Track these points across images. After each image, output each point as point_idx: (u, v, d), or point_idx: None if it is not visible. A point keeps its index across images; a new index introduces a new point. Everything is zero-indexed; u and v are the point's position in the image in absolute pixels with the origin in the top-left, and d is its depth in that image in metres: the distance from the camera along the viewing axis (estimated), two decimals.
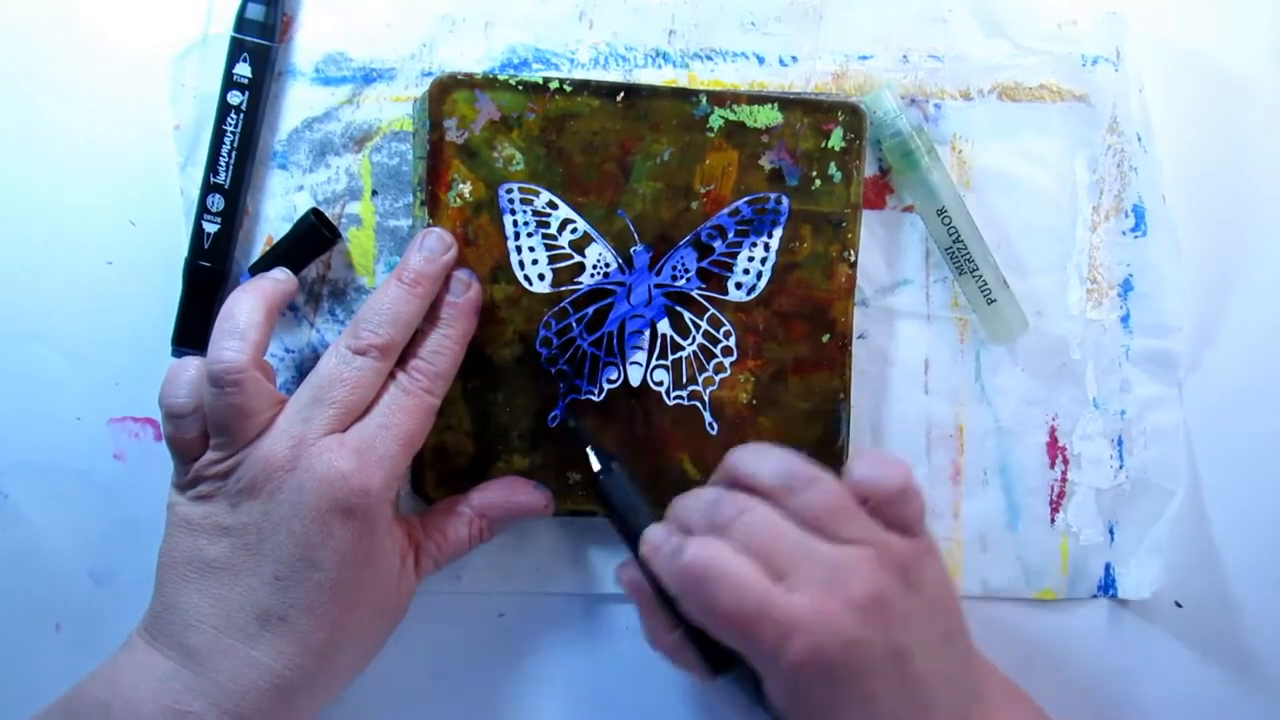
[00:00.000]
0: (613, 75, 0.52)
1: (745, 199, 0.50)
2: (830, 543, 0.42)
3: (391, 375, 0.46)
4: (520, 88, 0.49)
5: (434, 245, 0.47)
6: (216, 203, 0.49)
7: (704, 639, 0.43)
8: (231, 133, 0.49)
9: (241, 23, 0.49)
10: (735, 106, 0.49)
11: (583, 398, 0.50)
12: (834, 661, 0.40)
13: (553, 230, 0.50)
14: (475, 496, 0.49)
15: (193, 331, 0.50)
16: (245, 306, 0.45)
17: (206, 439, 0.45)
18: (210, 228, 0.50)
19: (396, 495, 0.46)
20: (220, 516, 0.44)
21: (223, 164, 0.49)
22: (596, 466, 0.48)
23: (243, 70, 0.49)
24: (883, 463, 0.44)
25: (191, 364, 0.45)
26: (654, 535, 0.45)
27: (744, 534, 0.42)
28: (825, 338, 0.51)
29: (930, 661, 0.42)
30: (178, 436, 0.45)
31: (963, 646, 0.44)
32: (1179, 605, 0.54)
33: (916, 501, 0.44)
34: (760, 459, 0.44)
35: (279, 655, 0.43)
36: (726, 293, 0.50)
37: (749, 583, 0.41)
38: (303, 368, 0.51)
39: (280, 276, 0.48)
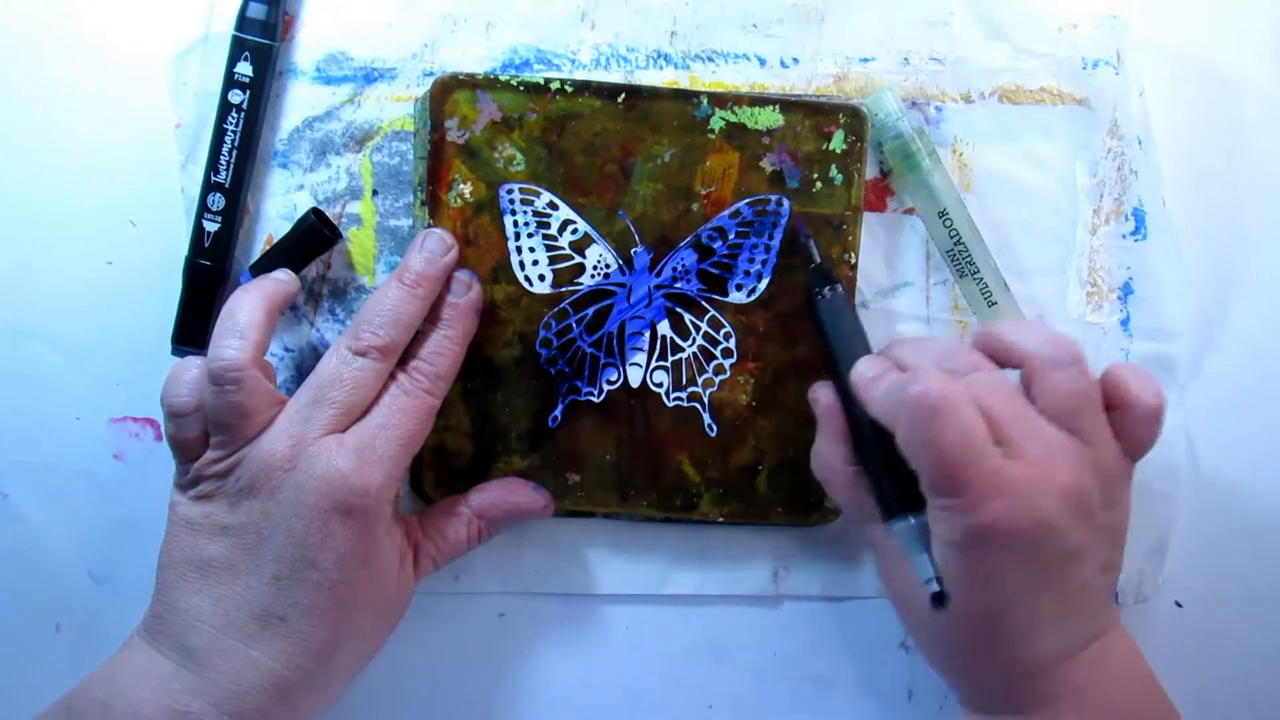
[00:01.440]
0: (614, 76, 0.51)
1: (746, 200, 0.50)
2: (1056, 427, 0.42)
3: (392, 376, 0.46)
4: (521, 88, 0.49)
5: (435, 246, 0.47)
6: (217, 201, 0.49)
7: (885, 481, 0.44)
8: (232, 131, 0.49)
9: (243, 21, 0.49)
10: (736, 108, 0.49)
11: (582, 399, 0.50)
12: (1023, 535, 0.40)
13: (553, 231, 0.50)
14: (474, 497, 0.49)
15: (193, 331, 0.50)
16: (247, 306, 0.45)
17: (208, 439, 0.45)
18: (210, 226, 0.50)
19: (396, 496, 0.46)
20: (220, 516, 0.44)
21: (223, 163, 0.49)
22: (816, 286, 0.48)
23: (244, 69, 0.49)
24: (1147, 379, 0.44)
25: (194, 363, 0.45)
26: (870, 366, 0.45)
27: (974, 389, 0.41)
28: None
29: (1088, 576, 0.42)
30: (179, 436, 0.45)
31: (1112, 581, 0.45)
32: (1179, 605, 0.54)
33: (1156, 429, 0.44)
34: (1028, 329, 0.44)
35: (279, 655, 0.43)
36: (727, 294, 0.50)
37: (973, 427, 0.40)
38: (302, 367, 0.51)
39: (282, 277, 0.48)
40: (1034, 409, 0.42)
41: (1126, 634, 0.45)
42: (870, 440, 0.44)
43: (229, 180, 0.49)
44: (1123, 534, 0.44)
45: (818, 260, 0.49)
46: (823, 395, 0.47)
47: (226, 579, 0.43)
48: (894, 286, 0.53)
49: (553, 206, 0.49)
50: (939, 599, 0.42)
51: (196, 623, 0.43)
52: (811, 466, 0.48)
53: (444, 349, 0.46)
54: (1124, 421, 0.43)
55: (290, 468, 0.43)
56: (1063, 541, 0.41)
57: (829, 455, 0.47)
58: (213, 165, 0.49)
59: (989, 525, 0.40)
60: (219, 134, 0.49)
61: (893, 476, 0.43)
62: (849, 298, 0.48)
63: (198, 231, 0.50)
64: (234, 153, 0.49)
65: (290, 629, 0.43)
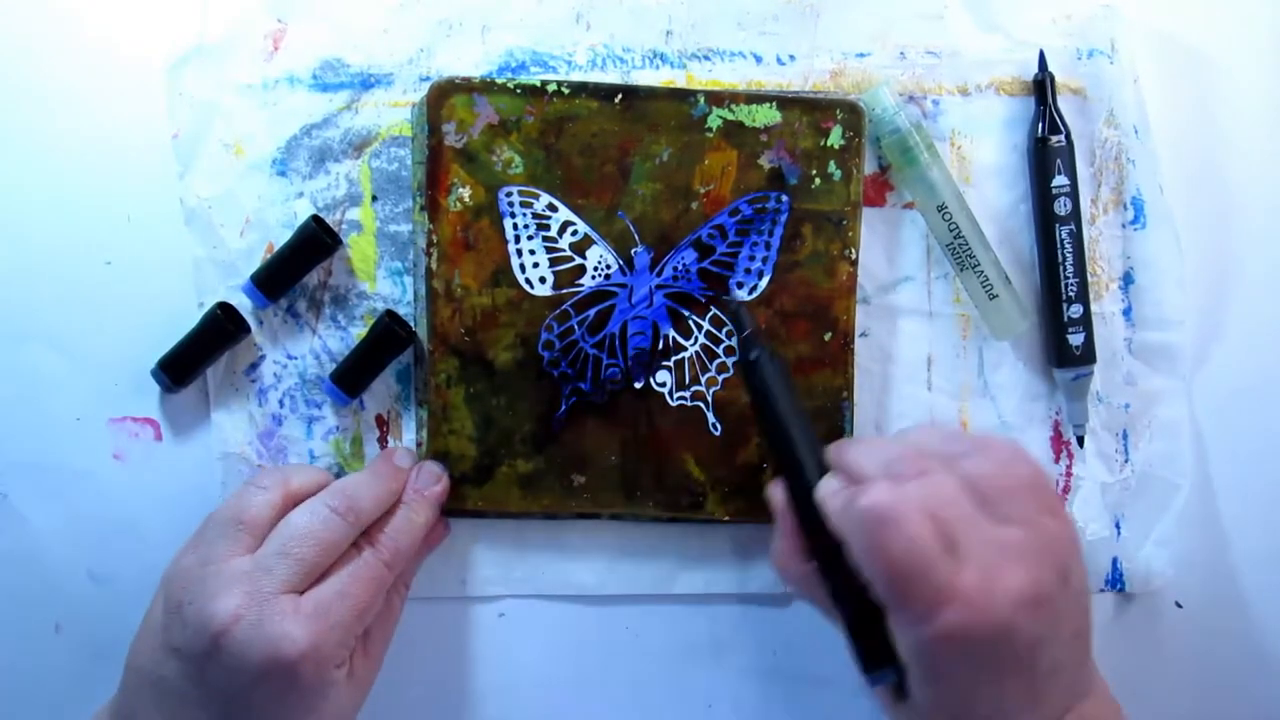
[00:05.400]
0: (610, 77, 0.52)
1: (745, 198, 0.50)
2: (997, 521, 0.41)
3: (356, 547, 0.46)
4: (518, 91, 0.49)
5: (427, 479, 0.49)
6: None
7: (844, 588, 0.43)
8: None
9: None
10: (733, 106, 0.49)
11: (586, 400, 0.50)
12: (980, 642, 0.40)
13: (553, 233, 0.50)
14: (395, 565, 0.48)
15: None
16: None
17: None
18: None
19: (347, 660, 0.46)
20: (174, 635, 0.44)
21: None
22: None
23: None
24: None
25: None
26: (829, 484, 0.44)
27: (922, 493, 0.41)
28: (827, 336, 0.51)
29: (1058, 654, 0.42)
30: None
31: (1086, 641, 0.44)
32: (1179, 605, 0.53)
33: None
34: (929, 431, 0.45)
35: None
36: (728, 292, 0.50)
37: (922, 538, 0.40)
38: (305, 375, 0.51)
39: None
40: (983, 509, 0.41)
41: (1104, 693, 0.45)
42: (828, 547, 0.43)
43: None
44: (1085, 597, 0.44)
45: (749, 328, 0.47)
46: (776, 496, 0.46)
47: (176, 703, 0.43)
48: (895, 281, 0.53)
49: (552, 208, 0.49)
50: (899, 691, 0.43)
51: None
52: (770, 559, 0.48)
53: (406, 529, 0.48)
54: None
55: (241, 618, 0.43)
56: (1023, 636, 0.40)
57: (784, 552, 0.46)
58: None
59: (943, 636, 0.40)
60: None
61: (850, 584, 0.43)
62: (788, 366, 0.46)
63: None
64: None
65: None
